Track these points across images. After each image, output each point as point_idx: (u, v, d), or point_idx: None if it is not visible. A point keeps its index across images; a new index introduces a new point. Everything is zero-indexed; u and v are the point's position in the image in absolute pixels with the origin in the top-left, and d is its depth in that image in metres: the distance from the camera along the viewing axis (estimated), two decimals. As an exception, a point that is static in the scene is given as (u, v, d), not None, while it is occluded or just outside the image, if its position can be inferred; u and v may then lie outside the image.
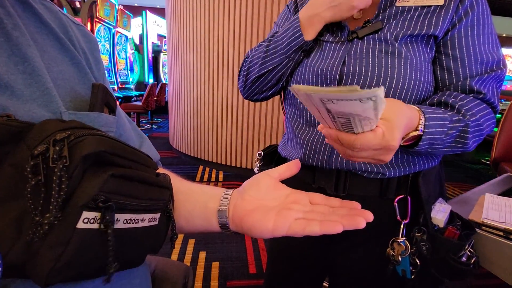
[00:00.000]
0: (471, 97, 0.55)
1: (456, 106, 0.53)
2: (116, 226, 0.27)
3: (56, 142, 0.23)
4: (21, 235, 0.23)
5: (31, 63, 0.30)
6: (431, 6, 0.56)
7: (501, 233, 0.66)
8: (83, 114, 0.33)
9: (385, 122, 0.40)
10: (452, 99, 0.54)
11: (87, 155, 0.24)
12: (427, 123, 0.48)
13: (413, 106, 0.49)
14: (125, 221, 0.28)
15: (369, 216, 0.38)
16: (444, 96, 0.55)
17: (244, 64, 0.74)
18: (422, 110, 0.49)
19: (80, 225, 0.24)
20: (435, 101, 0.55)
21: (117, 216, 0.27)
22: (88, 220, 0.24)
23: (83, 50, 0.39)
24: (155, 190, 0.34)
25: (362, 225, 0.37)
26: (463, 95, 0.55)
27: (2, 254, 0.22)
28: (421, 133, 0.48)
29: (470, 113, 0.53)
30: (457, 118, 0.52)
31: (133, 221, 0.30)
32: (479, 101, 0.55)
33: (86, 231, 0.24)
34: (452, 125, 0.51)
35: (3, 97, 0.27)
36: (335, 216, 0.39)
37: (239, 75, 0.76)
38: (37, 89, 0.30)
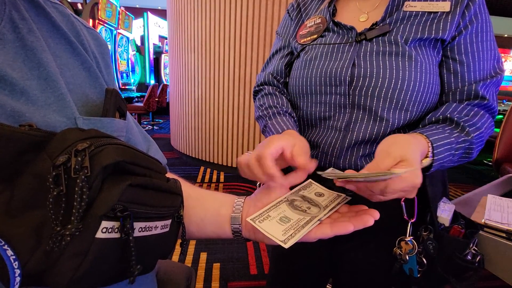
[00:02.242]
0: (476, 109, 0.57)
1: (461, 124, 0.55)
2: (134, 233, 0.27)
3: (78, 153, 0.23)
4: (41, 245, 0.23)
5: (46, 68, 0.30)
6: (438, 12, 0.58)
7: (504, 234, 0.66)
8: (97, 119, 0.33)
9: (407, 164, 0.42)
10: (457, 115, 0.56)
11: (107, 165, 0.24)
12: (436, 151, 0.50)
13: (420, 135, 0.51)
14: (140, 229, 0.29)
15: (376, 214, 0.41)
16: (449, 111, 0.57)
17: (254, 93, 0.77)
18: (430, 139, 0.51)
19: (99, 234, 0.24)
20: (440, 118, 0.57)
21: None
22: (106, 229, 0.24)
23: (94, 54, 0.39)
24: (167, 197, 0.34)
25: (370, 222, 0.39)
26: (468, 107, 0.57)
27: (21, 263, 0.22)
28: (432, 160, 0.51)
29: (475, 127, 0.55)
30: (462, 139, 0.54)
31: (147, 229, 0.30)
32: (482, 111, 0.57)
33: (104, 240, 0.24)
34: (458, 146, 0.53)
35: (19, 102, 0.27)
36: (344, 218, 0.42)
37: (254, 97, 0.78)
38: (51, 95, 0.30)
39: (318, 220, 0.42)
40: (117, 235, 0.25)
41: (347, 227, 0.39)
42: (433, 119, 0.57)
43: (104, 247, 0.25)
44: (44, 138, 0.25)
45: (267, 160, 0.42)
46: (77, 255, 0.23)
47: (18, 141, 0.23)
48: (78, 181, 0.22)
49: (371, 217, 0.40)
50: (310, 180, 0.55)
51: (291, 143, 0.46)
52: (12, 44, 0.28)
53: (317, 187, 0.53)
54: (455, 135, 0.53)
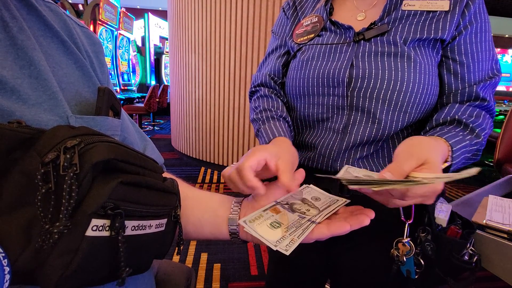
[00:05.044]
0: (477, 110, 0.56)
1: (471, 125, 0.54)
2: (124, 233, 0.27)
3: (67, 150, 0.23)
4: (30, 242, 0.23)
5: (37, 66, 0.29)
6: (437, 11, 0.57)
7: (505, 235, 0.65)
8: (89, 118, 0.33)
9: (429, 167, 0.40)
10: (465, 117, 0.55)
11: (97, 162, 0.24)
12: (455, 155, 0.49)
13: (440, 138, 0.50)
14: (133, 228, 0.28)
15: (371, 214, 0.41)
16: (455, 113, 0.56)
17: (250, 94, 0.76)
18: (449, 142, 0.50)
19: (89, 232, 0.23)
20: (448, 119, 0.56)
21: (125, 222, 0.27)
22: (97, 227, 0.24)
23: (87, 53, 0.39)
24: (162, 196, 0.34)
25: (366, 222, 0.39)
26: (471, 108, 0.56)
27: (11, 261, 0.22)
28: (450, 164, 0.50)
29: (481, 128, 0.54)
30: (475, 141, 0.53)
31: (140, 227, 0.29)
32: (483, 112, 0.57)
33: (94, 238, 0.24)
34: (471, 148, 0.53)
35: (9, 101, 0.27)
36: (340, 218, 0.42)
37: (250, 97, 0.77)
38: (43, 93, 0.29)
39: (315, 222, 0.42)
40: (107, 233, 0.25)
41: (343, 227, 0.39)
42: (441, 121, 0.56)
43: (95, 245, 0.24)
44: (33, 135, 0.24)
45: (246, 172, 0.41)
46: (66, 253, 0.23)
47: (6, 138, 0.23)
48: (66, 178, 0.22)
49: (367, 216, 0.40)
50: (310, 184, 0.54)
51: (276, 155, 0.45)
52: (2, 43, 0.28)
53: (314, 191, 0.53)
54: (468, 137, 0.53)
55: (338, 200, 0.50)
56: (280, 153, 0.46)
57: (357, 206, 0.44)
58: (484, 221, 0.69)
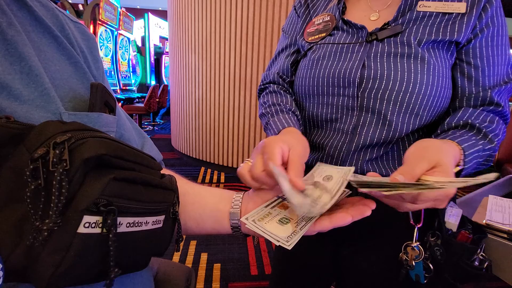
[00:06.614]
0: (491, 115, 0.55)
1: (484, 130, 0.53)
2: (119, 229, 0.27)
3: (56, 145, 0.22)
4: (22, 240, 0.22)
5: (28, 62, 0.29)
6: (453, 13, 0.56)
7: (505, 235, 0.65)
8: (83, 114, 0.32)
9: (441, 170, 0.40)
10: (478, 122, 0.54)
11: (88, 158, 0.23)
12: (467, 159, 0.49)
13: (452, 142, 0.49)
14: (128, 225, 0.28)
15: (372, 205, 0.40)
16: (468, 117, 0.55)
17: (259, 91, 0.76)
18: (462, 146, 0.49)
19: (81, 229, 0.23)
20: (461, 123, 0.55)
21: (119, 219, 0.26)
22: (89, 224, 0.23)
23: (81, 49, 0.38)
24: (159, 192, 0.33)
25: (367, 213, 0.39)
26: (484, 113, 0.55)
27: (3, 258, 0.22)
28: (462, 168, 0.49)
29: (494, 134, 0.53)
30: (488, 146, 0.52)
31: (136, 224, 0.29)
32: (497, 117, 0.56)
33: (87, 235, 0.24)
34: (484, 153, 0.52)
35: (0, 97, 0.26)
36: (342, 210, 0.41)
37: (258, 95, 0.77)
38: (35, 90, 0.29)
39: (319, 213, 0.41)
40: (100, 230, 0.25)
41: (345, 218, 0.38)
42: (453, 125, 0.55)
43: (87, 242, 0.24)
44: (22, 130, 0.24)
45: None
46: (58, 250, 0.22)
47: None
48: (56, 174, 0.21)
49: (368, 207, 0.39)
50: (318, 163, 0.53)
51: (288, 144, 0.44)
52: None
53: (326, 168, 0.51)
54: (481, 142, 0.52)
55: (350, 170, 0.47)
56: (291, 143, 0.45)
57: (359, 197, 0.44)
58: (484, 221, 0.68)
